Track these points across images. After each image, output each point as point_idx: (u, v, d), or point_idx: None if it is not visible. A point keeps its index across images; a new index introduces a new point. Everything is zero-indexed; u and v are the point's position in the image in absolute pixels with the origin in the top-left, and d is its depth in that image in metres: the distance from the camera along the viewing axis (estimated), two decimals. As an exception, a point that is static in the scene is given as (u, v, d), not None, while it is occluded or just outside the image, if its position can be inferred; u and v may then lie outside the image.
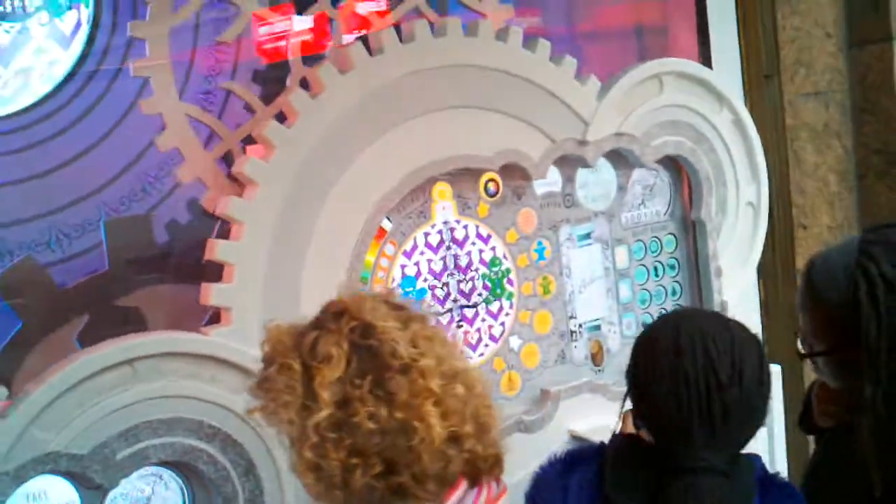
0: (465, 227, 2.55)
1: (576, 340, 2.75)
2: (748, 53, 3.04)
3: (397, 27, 2.42)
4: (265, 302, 2.13)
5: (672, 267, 2.94)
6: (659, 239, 2.92)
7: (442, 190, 2.52)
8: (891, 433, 1.54)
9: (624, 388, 1.63)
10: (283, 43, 2.58)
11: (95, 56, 2.78)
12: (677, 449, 1.54)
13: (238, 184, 2.23)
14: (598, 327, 2.80)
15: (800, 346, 1.69)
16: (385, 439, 1.33)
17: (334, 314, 1.41)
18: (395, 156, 2.34)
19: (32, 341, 2.62)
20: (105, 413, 1.98)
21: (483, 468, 1.42)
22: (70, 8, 3.12)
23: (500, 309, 2.62)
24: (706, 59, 3.01)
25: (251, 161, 2.14)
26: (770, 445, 2.88)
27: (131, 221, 3.08)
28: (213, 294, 2.10)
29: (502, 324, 2.62)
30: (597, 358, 2.79)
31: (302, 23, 2.61)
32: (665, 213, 2.93)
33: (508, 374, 2.64)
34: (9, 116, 3.32)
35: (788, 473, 2.79)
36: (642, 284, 2.89)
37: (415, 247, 2.48)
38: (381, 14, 2.67)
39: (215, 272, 2.19)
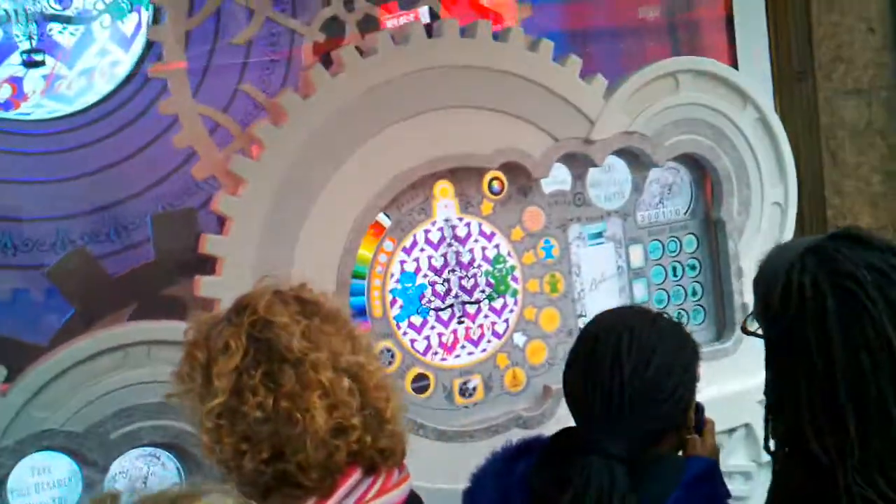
0: (468, 224, 2.61)
1: (585, 339, 2.76)
2: (778, 51, 2.97)
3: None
4: (253, 294, 2.25)
5: (692, 267, 2.91)
6: (678, 239, 2.90)
7: (444, 188, 2.58)
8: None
9: None
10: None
11: (153, 57, 2.93)
12: (582, 431, 1.60)
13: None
14: (610, 326, 2.81)
15: (746, 323, 1.76)
16: (272, 427, 1.41)
17: (238, 308, 1.51)
18: (390, 154, 2.42)
19: (83, 328, 2.82)
20: (100, 394, 2.14)
21: (377, 459, 1.49)
22: (131, 11, 3.32)
23: (504, 306, 2.67)
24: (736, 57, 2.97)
25: (239, 159, 2.27)
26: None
27: (177, 216, 3.27)
28: (203, 286, 2.24)
29: (506, 321, 2.67)
30: (607, 357, 2.80)
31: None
32: (685, 213, 2.90)
33: (513, 370, 2.69)
34: (73, 114, 3.57)
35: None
36: (659, 284, 2.88)
37: (415, 243, 2.55)
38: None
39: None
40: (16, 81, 3.40)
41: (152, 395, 2.18)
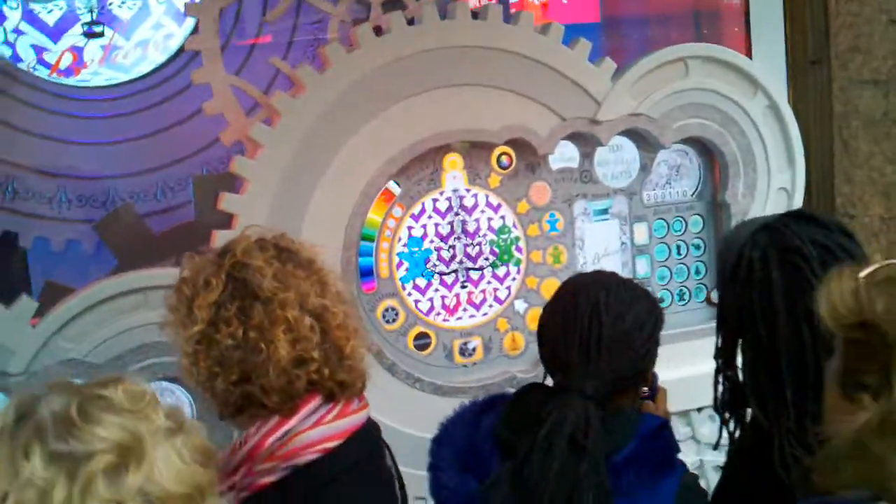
0: (475, 195, 2.77)
1: (586, 309, 2.90)
2: (793, 39, 3.04)
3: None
4: (265, 249, 2.45)
5: (697, 247, 3.02)
6: (684, 218, 3.01)
7: (453, 160, 2.74)
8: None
9: None
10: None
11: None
12: (558, 376, 1.75)
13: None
14: (610, 298, 2.94)
15: (710, 296, 1.90)
16: (241, 354, 1.60)
17: (222, 251, 1.70)
18: (401, 127, 2.59)
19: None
20: (120, 331, 2.37)
21: (336, 390, 1.67)
22: (185, -13, 3.51)
23: (507, 274, 2.82)
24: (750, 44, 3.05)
25: (258, 126, 2.47)
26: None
27: (217, 179, 3.50)
28: (219, 239, 2.44)
29: (508, 287, 2.82)
30: (607, 327, 2.93)
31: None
32: (692, 194, 3.01)
33: (512, 334, 2.84)
34: (129, 82, 3.83)
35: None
36: (663, 261, 2.99)
37: (423, 211, 2.72)
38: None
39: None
40: (77, 51, 3.68)
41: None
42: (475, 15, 2.67)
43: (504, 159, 2.79)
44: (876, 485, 1.19)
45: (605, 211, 2.92)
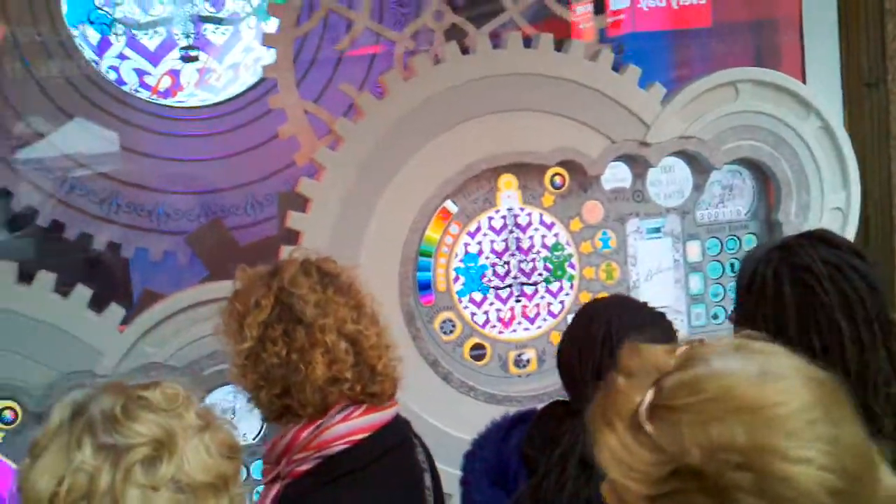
0: (529, 214, 2.92)
1: (639, 324, 3.02)
2: (849, 62, 3.09)
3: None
4: (328, 264, 2.67)
5: (750, 265, 3.09)
6: (738, 237, 3.09)
7: (508, 181, 2.90)
8: None
9: None
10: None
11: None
12: (575, 398, 1.88)
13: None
14: (663, 315, 3.05)
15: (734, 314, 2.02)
16: (283, 372, 1.81)
17: (272, 272, 1.91)
18: (457, 150, 2.76)
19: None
20: (198, 337, 2.61)
21: (364, 399, 1.86)
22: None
23: (560, 289, 2.96)
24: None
25: (322, 150, 2.68)
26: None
27: (299, 196, 3.73)
28: (285, 254, 2.66)
29: (561, 302, 2.97)
30: (659, 342, 3.04)
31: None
32: (746, 213, 3.09)
33: (564, 346, 2.98)
34: (220, 103, 4.11)
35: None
36: (716, 279, 3.09)
37: (479, 228, 2.89)
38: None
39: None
40: (174, 74, 3.97)
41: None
42: (527, 43, 2.82)
43: (557, 179, 2.93)
44: None
45: (657, 229, 3.03)
